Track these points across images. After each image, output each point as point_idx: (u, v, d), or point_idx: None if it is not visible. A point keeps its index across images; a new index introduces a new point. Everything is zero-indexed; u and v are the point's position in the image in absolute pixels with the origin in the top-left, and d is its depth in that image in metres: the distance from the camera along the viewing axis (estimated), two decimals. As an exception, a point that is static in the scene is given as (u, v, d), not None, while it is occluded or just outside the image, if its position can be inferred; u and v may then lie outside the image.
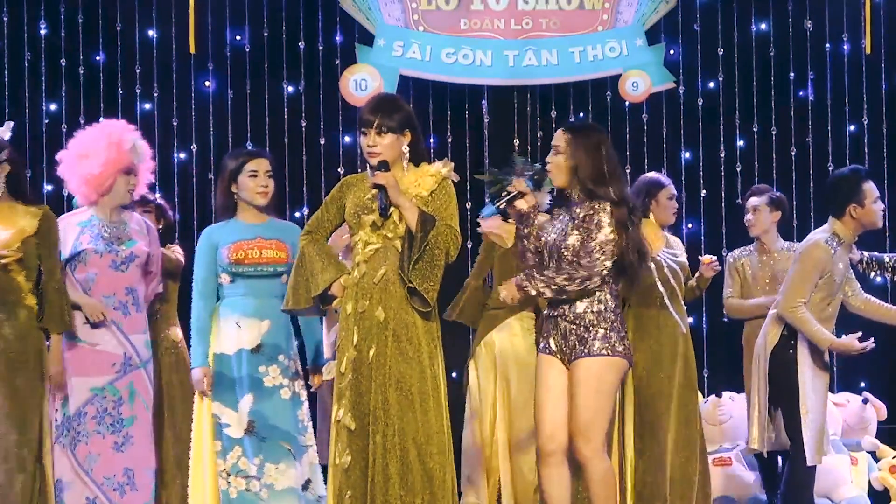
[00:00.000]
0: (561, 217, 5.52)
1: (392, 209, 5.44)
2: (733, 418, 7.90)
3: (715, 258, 7.12)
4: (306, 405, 6.23)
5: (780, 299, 6.59)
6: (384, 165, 5.46)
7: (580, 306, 5.44)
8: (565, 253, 5.43)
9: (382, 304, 5.44)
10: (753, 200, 7.56)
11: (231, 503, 6.06)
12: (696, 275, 7.09)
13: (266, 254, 6.17)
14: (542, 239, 5.51)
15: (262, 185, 6.24)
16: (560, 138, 5.53)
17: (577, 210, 5.49)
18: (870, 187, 6.65)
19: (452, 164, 5.61)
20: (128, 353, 6.31)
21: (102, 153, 6.37)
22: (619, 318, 5.52)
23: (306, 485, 6.16)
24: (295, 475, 6.11)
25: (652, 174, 7.34)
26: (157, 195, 7.21)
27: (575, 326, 5.44)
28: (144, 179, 6.56)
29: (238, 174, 6.24)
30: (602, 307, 5.49)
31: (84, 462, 6.23)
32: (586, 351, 5.42)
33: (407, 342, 5.43)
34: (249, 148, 6.54)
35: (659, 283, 6.90)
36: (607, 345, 5.46)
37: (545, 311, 5.59)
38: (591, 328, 5.45)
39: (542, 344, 5.54)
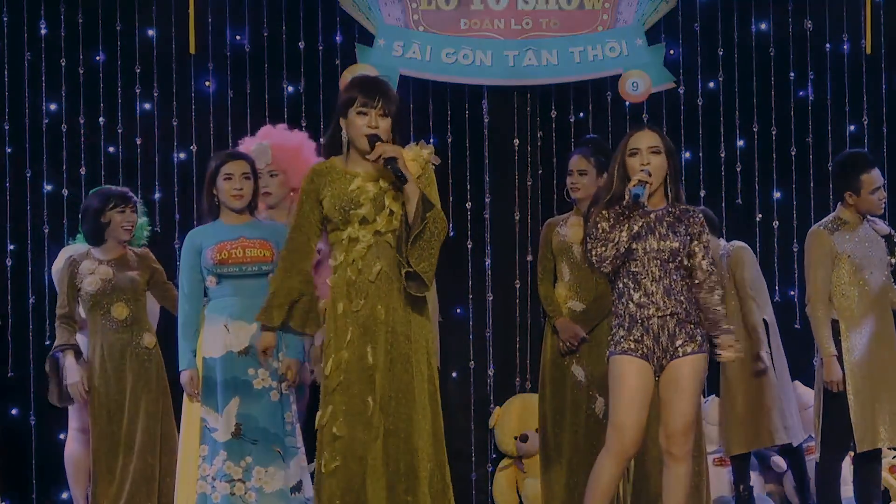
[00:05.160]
0: (646, 223, 5.53)
1: (388, 204, 5.18)
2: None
3: None
4: (295, 407, 6.21)
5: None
6: (377, 137, 5.18)
7: (683, 304, 5.52)
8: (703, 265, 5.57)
9: (381, 302, 5.18)
10: None
11: None
12: None
13: (250, 253, 6.15)
14: (647, 243, 5.52)
15: (237, 189, 6.20)
16: (655, 138, 5.55)
17: (670, 217, 5.56)
18: (869, 177, 6.63)
19: (431, 146, 5.38)
20: None
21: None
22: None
23: (298, 486, 6.14)
24: (284, 477, 6.10)
25: None
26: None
27: (673, 324, 5.49)
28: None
29: (216, 176, 6.23)
30: (690, 305, 5.55)
31: None
32: (692, 349, 5.50)
33: (405, 340, 5.19)
34: (229, 150, 6.48)
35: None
36: (702, 341, 5.53)
37: (622, 309, 5.53)
38: (686, 325, 5.51)
39: (623, 346, 5.51)
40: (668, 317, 5.48)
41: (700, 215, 5.65)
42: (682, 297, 5.50)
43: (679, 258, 5.52)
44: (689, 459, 5.53)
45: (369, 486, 5.11)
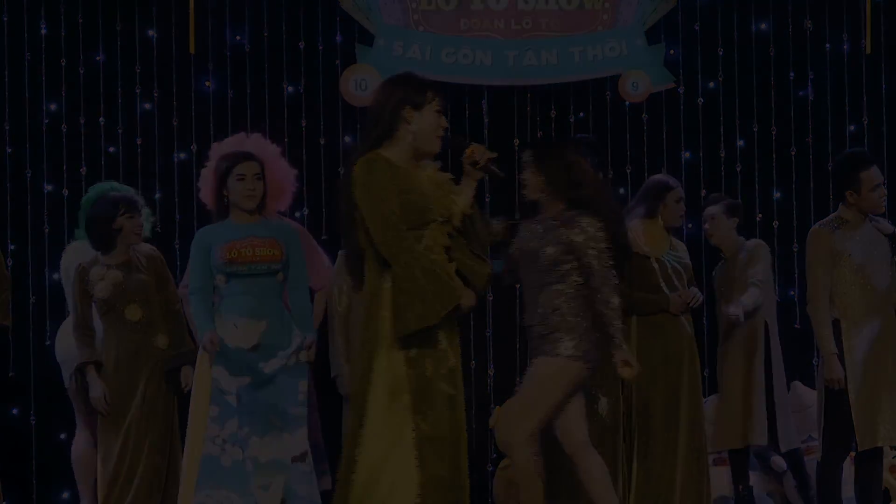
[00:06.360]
0: (529, 229, 5.74)
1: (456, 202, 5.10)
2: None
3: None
4: (307, 379, 6.19)
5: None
6: (468, 140, 5.20)
7: (543, 316, 5.68)
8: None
9: None
10: (710, 209, 7.49)
11: (222, 471, 6.00)
12: None
13: (259, 252, 6.15)
14: (523, 247, 5.73)
15: (250, 189, 6.21)
16: (524, 154, 5.87)
17: (555, 221, 5.67)
18: (868, 175, 6.64)
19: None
20: None
21: None
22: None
23: (302, 456, 6.11)
24: (280, 447, 6.07)
25: (661, 176, 7.33)
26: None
27: (533, 336, 5.72)
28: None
29: (227, 177, 6.23)
30: (554, 313, 5.66)
31: None
32: (536, 354, 5.72)
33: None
34: (239, 150, 6.46)
35: (663, 285, 6.89)
36: (551, 348, 5.67)
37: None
38: (541, 337, 5.67)
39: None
40: (529, 328, 5.70)
41: (585, 222, 5.60)
42: (546, 307, 5.61)
43: (549, 265, 5.61)
44: (513, 449, 5.72)
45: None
